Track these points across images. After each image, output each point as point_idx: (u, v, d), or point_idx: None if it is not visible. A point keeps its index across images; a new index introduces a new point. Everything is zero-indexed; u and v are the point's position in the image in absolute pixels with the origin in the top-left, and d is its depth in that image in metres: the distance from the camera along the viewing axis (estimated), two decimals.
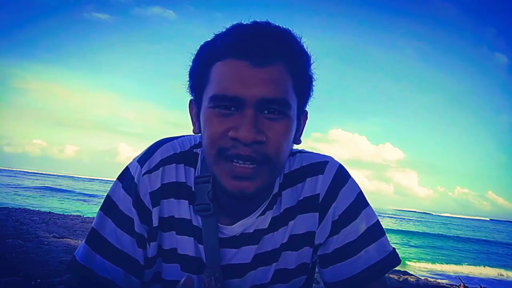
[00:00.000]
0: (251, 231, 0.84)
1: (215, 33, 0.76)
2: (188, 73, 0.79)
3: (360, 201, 0.87)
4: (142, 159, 0.84)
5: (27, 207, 10.08)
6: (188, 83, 0.80)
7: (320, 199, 0.85)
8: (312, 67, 0.79)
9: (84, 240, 0.86)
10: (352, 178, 0.89)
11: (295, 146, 0.85)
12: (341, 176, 0.87)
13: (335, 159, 0.90)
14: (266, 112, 0.71)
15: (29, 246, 4.31)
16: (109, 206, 0.84)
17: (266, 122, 0.71)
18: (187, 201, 0.84)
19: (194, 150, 0.86)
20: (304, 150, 0.92)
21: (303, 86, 0.77)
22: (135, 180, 0.82)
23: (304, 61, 0.76)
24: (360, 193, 0.88)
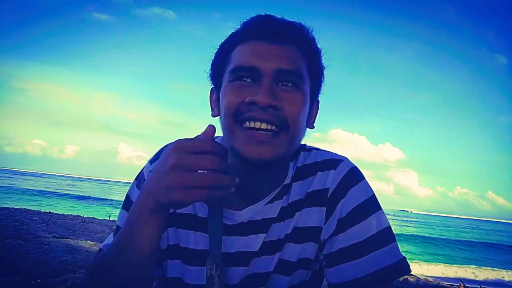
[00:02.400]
0: (260, 218, 0.85)
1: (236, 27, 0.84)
2: (210, 65, 0.86)
3: (371, 204, 0.84)
4: (153, 159, 0.92)
5: (27, 207, 10.08)
6: (209, 73, 0.87)
7: (329, 194, 0.85)
8: (322, 58, 0.85)
9: (112, 235, 0.95)
10: (366, 181, 0.87)
11: (309, 139, 0.87)
12: (354, 175, 0.86)
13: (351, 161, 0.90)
14: (281, 84, 0.76)
15: (29, 246, 4.32)
16: (127, 203, 0.91)
17: (281, 92, 0.75)
18: None
19: None
20: (320, 148, 0.93)
21: (315, 72, 0.82)
22: (145, 176, 0.90)
23: (316, 51, 0.83)
24: (373, 196, 0.86)
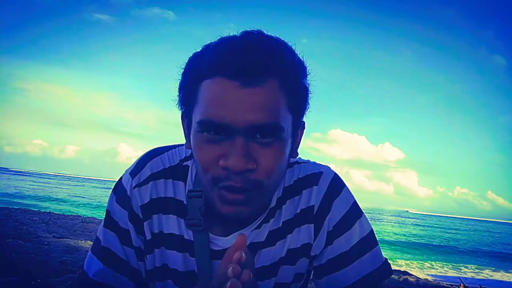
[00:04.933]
0: (247, 244, 0.82)
1: (204, 45, 0.74)
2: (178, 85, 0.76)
3: (354, 211, 0.86)
4: (133, 172, 0.85)
5: (27, 207, 10.07)
6: (177, 97, 0.77)
7: (315, 211, 0.84)
8: (308, 78, 0.75)
9: (98, 258, 0.85)
10: (347, 188, 0.88)
11: None
12: (335, 186, 0.86)
13: (331, 168, 0.90)
14: (258, 136, 0.68)
15: (29, 246, 4.31)
16: (110, 222, 0.85)
17: (257, 148, 0.68)
18: (175, 216, 0.84)
19: (184, 163, 0.86)
20: (300, 159, 0.90)
21: (298, 101, 0.74)
22: (128, 193, 0.83)
23: (298, 74, 0.73)
24: (354, 203, 0.87)
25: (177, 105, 0.78)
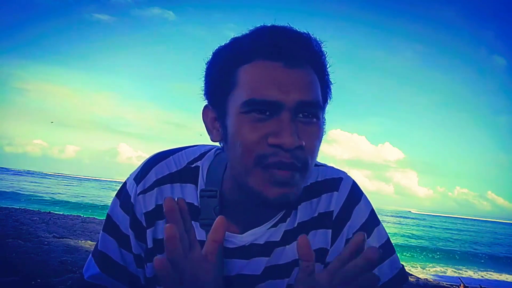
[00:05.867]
0: (262, 242, 0.82)
1: (233, 36, 0.74)
2: (204, 77, 0.77)
3: (372, 219, 0.86)
4: (138, 177, 0.83)
5: (27, 207, 10.08)
6: (204, 88, 0.78)
7: (334, 216, 0.84)
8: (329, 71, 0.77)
9: (95, 262, 0.86)
10: (365, 195, 0.88)
11: None
12: (355, 193, 0.87)
13: (349, 174, 0.90)
14: (301, 115, 0.70)
15: (29, 246, 4.32)
16: (111, 226, 0.84)
17: (302, 126, 0.69)
18: None
19: (194, 165, 0.84)
20: (318, 162, 0.89)
21: (326, 91, 0.76)
22: (132, 199, 0.82)
23: (326, 67, 0.75)
24: (373, 211, 0.87)
25: (204, 97, 0.78)
